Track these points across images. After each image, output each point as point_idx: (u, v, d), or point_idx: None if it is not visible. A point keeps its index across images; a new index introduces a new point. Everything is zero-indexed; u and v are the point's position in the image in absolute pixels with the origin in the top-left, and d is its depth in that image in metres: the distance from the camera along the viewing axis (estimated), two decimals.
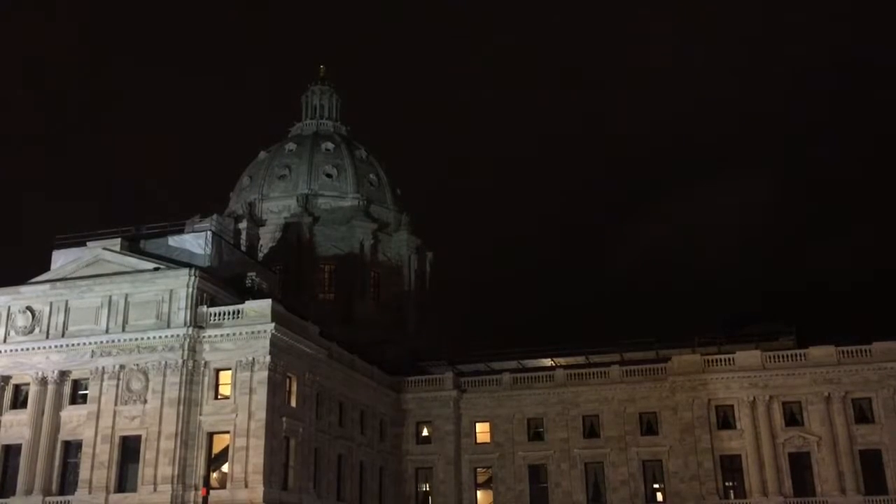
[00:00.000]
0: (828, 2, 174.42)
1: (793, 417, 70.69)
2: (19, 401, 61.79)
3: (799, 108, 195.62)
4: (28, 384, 61.26)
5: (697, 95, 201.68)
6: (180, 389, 57.81)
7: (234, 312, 59.58)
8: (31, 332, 61.80)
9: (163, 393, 58.01)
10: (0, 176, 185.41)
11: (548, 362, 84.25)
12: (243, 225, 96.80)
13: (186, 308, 59.52)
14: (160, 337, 59.02)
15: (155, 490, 55.77)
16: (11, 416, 61.10)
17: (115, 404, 58.71)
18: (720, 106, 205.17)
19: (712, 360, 73.13)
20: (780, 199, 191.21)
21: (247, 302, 60.58)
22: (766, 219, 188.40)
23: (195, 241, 65.91)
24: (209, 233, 66.86)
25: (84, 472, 57.46)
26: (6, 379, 61.85)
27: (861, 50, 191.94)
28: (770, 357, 71.80)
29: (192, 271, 60.19)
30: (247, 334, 58.65)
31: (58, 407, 60.29)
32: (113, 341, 59.84)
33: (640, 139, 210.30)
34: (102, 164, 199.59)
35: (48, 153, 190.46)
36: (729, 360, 72.72)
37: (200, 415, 58.08)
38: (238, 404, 57.62)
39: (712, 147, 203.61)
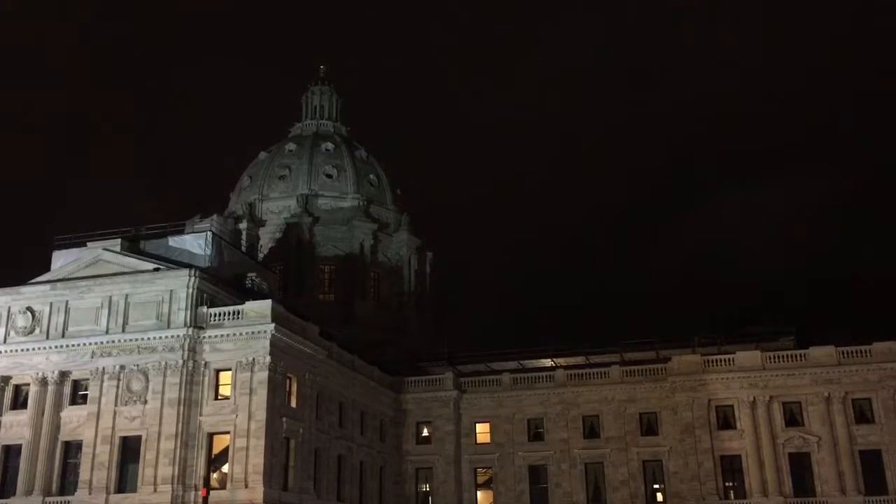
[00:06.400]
0: None
1: (793, 418, 70.74)
2: (19, 401, 61.83)
3: (800, 111, 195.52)
4: (28, 384, 61.31)
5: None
6: (180, 390, 57.87)
7: (234, 313, 59.64)
8: (32, 332, 61.85)
9: (163, 393, 58.07)
10: (1, 176, 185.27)
11: (548, 362, 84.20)
12: (243, 225, 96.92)
13: (186, 308, 59.59)
14: (160, 337, 59.07)
15: (155, 490, 55.82)
16: (11, 417, 61.14)
17: (116, 405, 58.78)
18: (721, 107, 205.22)
19: (712, 361, 73.16)
20: (781, 200, 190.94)
21: (247, 302, 60.65)
22: (768, 220, 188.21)
23: (195, 242, 65.93)
24: (209, 233, 66.88)
25: (84, 473, 57.52)
26: (6, 379, 61.90)
27: None
28: (770, 357, 71.85)
29: (192, 272, 60.25)
30: (247, 335, 58.69)
31: (58, 407, 60.33)
32: (113, 342, 59.90)
33: (646, 147, 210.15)
34: (102, 164, 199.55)
35: (47, 153, 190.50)
36: (729, 360, 72.77)
37: (200, 415, 58.15)
38: (238, 405, 57.67)
39: (716, 153, 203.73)
